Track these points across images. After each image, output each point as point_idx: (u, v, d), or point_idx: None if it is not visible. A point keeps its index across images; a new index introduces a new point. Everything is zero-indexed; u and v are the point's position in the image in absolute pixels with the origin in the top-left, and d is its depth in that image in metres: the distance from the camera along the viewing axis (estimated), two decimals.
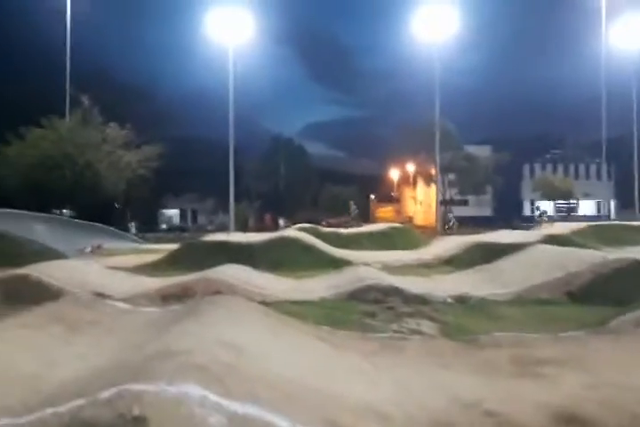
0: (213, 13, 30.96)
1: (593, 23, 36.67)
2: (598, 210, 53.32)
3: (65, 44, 36.95)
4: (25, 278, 9.03)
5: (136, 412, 2.28)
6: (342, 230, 22.39)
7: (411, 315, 7.56)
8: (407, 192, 67.92)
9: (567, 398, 3.91)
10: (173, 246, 17.96)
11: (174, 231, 42.37)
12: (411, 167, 56.32)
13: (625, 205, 44.51)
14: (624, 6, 33.76)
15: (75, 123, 34.53)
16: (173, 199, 63.12)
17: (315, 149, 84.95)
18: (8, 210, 21.94)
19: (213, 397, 2.55)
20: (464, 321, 7.35)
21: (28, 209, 23.56)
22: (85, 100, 36.83)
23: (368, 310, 7.76)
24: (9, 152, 31.91)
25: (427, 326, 6.94)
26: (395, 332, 6.40)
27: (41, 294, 8.45)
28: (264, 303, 7.67)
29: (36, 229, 21.25)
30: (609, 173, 49.09)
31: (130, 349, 3.61)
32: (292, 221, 42.60)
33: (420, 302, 8.67)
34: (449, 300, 9.13)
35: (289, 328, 4.84)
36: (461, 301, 9.05)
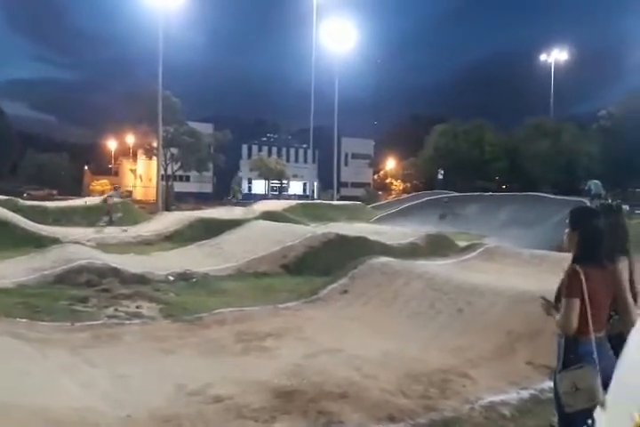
0: None
1: (306, 25, 39.82)
2: (304, 190, 59.63)
3: None
4: None
5: None
6: (49, 204, 19.38)
7: (129, 297, 6.90)
8: (126, 165, 63.82)
9: (288, 371, 4.06)
10: None
11: None
12: (131, 139, 52.72)
13: (326, 186, 50.89)
14: (333, 11, 37.74)
15: None
16: None
17: (16, 109, 71.94)
18: None
19: None
20: (187, 299, 7.09)
21: None
22: None
23: (79, 294, 6.76)
24: None
25: (147, 307, 6.45)
26: (110, 317, 5.73)
27: None
28: None
29: None
30: (314, 157, 55.23)
31: None
32: None
33: (139, 282, 8.05)
34: (170, 278, 8.74)
35: None
36: (183, 278, 8.76)
